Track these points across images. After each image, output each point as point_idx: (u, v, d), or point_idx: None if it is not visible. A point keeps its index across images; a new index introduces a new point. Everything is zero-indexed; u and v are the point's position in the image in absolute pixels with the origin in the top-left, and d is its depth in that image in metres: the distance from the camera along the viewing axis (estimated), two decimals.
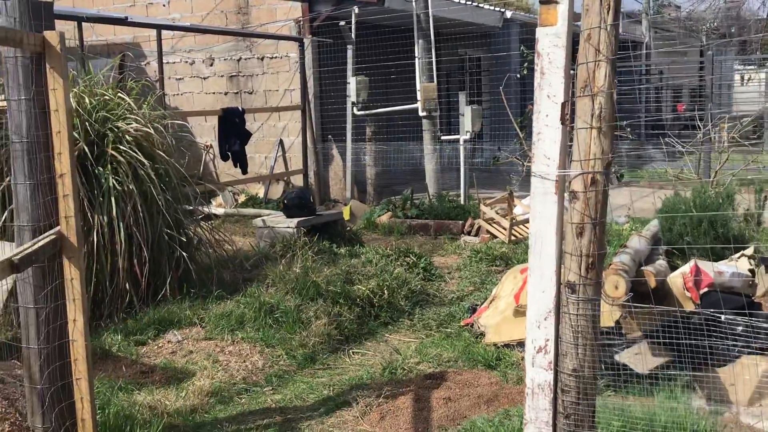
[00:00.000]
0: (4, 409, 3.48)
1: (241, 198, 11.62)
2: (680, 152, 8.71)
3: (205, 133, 11.89)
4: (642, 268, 4.35)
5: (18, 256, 2.94)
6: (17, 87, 3.30)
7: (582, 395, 2.31)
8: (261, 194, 11.74)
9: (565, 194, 2.29)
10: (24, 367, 3.49)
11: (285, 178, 11.66)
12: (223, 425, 3.88)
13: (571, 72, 2.30)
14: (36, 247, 3.09)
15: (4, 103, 4.84)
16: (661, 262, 4.98)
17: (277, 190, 11.77)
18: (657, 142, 9.89)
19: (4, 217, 5.09)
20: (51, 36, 3.26)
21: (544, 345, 2.37)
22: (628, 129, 7.60)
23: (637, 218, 8.78)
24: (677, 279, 4.41)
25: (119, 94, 5.74)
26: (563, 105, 2.26)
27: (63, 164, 3.30)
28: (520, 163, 8.26)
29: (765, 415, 3.72)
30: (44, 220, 3.35)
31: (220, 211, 10.13)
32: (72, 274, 3.35)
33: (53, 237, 3.26)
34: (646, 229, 6.06)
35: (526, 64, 8.11)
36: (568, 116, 2.27)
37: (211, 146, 11.34)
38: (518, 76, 9.33)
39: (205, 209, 7.25)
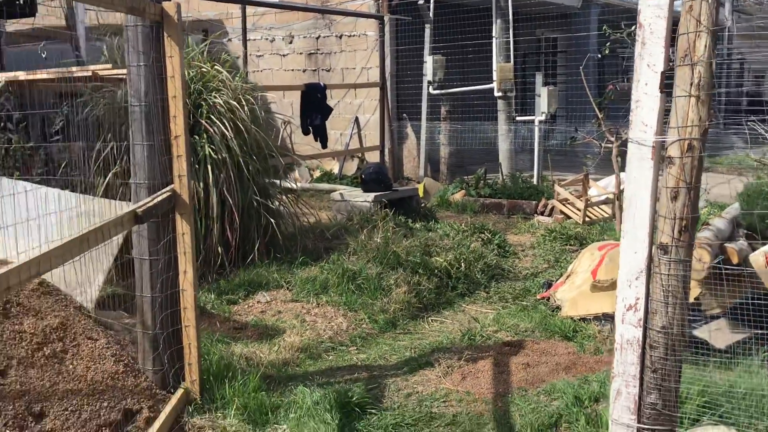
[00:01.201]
0: (117, 353, 3.79)
1: (316, 173, 11.92)
2: (763, 137, 8.53)
3: (283, 108, 12.18)
4: (725, 245, 4.38)
5: (141, 209, 3.22)
6: (137, 54, 3.57)
7: (670, 351, 2.43)
8: (335, 170, 12.02)
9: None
10: (137, 315, 3.80)
11: (360, 155, 11.89)
12: (313, 378, 4.13)
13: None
14: (156, 201, 3.37)
15: (115, 72, 5.20)
16: (743, 242, 4.98)
17: (351, 167, 12.03)
18: (738, 129, 9.69)
19: (107, 179, 5.46)
20: (169, 6, 3.52)
21: (634, 303, 2.49)
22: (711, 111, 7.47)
23: (715, 203, 8.67)
24: (759, 257, 4.42)
25: (215, 67, 6.02)
26: (662, 74, 2.36)
27: (178, 126, 3.57)
28: (597, 144, 8.23)
29: None
30: (159, 179, 3.63)
31: (296, 185, 10.45)
32: (183, 229, 3.64)
33: (168, 194, 3.54)
34: (725, 211, 6.03)
35: (608, 44, 8.06)
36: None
37: (289, 122, 11.66)
38: (598, 56, 9.26)
39: (286, 183, 7.53)
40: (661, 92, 2.37)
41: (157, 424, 3.38)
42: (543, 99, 10.42)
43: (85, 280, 4.29)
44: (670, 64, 2.39)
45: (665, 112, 2.42)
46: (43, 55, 5.58)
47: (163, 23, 3.52)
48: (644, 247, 2.45)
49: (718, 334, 4.37)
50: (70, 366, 3.55)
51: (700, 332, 4.39)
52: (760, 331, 4.17)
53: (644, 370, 2.49)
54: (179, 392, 3.67)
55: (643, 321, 2.48)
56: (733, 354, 4.04)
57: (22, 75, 5.18)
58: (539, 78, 10.69)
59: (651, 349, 2.47)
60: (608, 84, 8.75)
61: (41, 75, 5.21)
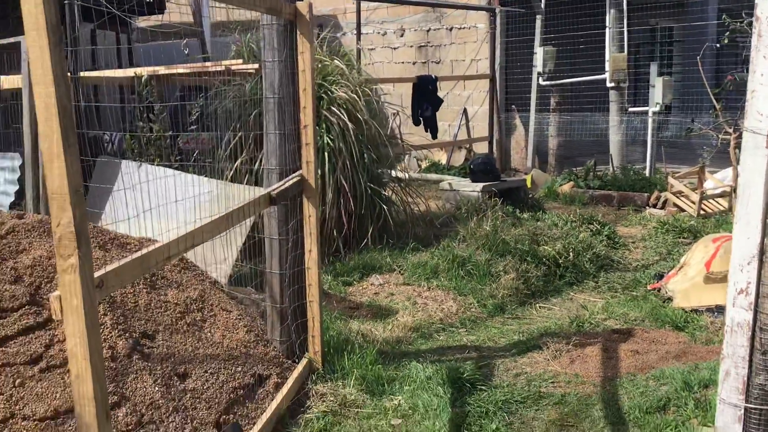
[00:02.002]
0: (249, 324, 4.15)
1: (424, 164, 12.15)
2: None
3: (394, 100, 12.47)
4: None
5: (275, 192, 3.54)
6: (272, 50, 3.88)
7: None
8: (443, 161, 12.21)
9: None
10: (267, 290, 4.14)
11: (468, 146, 12.03)
12: (425, 355, 4.36)
13: None
14: (287, 185, 3.68)
15: (245, 66, 5.58)
16: None
17: (458, 158, 12.19)
18: None
19: (235, 165, 5.87)
20: (302, 6, 3.81)
21: (745, 287, 2.57)
22: None
23: None
24: None
25: (335, 61, 6.34)
26: None
27: (307, 117, 3.86)
28: (714, 136, 8.04)
29: None
30: (289, 165, 3.94)
31: (405, 175, 10.72)
32: (310, 212, 3.94)
33: (297, 179, 3.85)
34: None
35: (727, 33, 7.84)
36: None
37: (398, 113, 11.94)
38: (717, 45, 8.99)
39: (396, 173, 7.80)
40: None
41: (285, 389, 3.70)
42: (657, 89, 10.22)
43: (219, 258, 4.69)
44: None
45: None
46: (186, 52, 6.05)
47: (296, 21, 3.82)
48: (757, 233, 2.52)
49: None
50: (208, 333, 3.93)
51: None
52: None
53: (753, 353, 2.56)
54: (303, 362, 3.99)
55: (753, 305, 2.56)
56: None
57: (162, 69, 5.66)
58: (654, 68, 10.48)
59: (761, 332, 2.54)
60: (727, 74, 8.50)
61: (181, 69, 5.67)
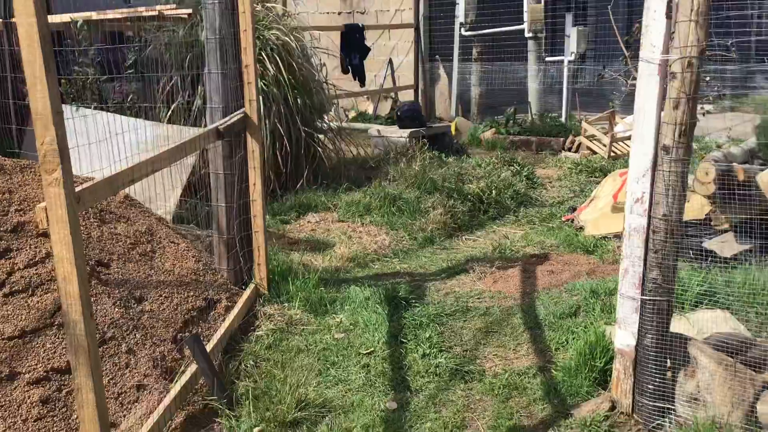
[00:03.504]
0: (197, 255, 4.40)
1: (351, 114, 12.41)
2: None
3: (318, 51, 12.62)
4: (733, 164, 4.84)
5: (222, 126, 3.78)
6: None
7: (669, 235, 2.94)
8: (370, 111, 12.49)
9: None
10: (214, 222, 4.39)
11: (393, 95, 12.33)
12: (363, 281, 4.72)
13: None
14: (232, 121, 3.92)
15: (179, 11, 5.70)
16: (754, 166, 5.42)
17: (384, 108, 12.48)
18: (764, 67, 9.92)
19: (172, 108, 6.02)
20: None
21: (641, 196, 3.00)
22: (733, 49, 7.79)
23: (738, 139, 9.03)
24: (765, 176, 4.87)
25: (267, 4, 6.50)
26: (668, 2, 2.82)
27: (248, 57, 4.09)
28: (624, 82, 8.59)
29: None
30: (231, 103, 4.17)
31: (333, 124, 10.97)
32: (253, 147, 4.19)
33: (240, 115, 4.09)
34: (744, 143, 6.46)
35: None
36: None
37: (324, 63, 12.11)
38: None
39: (327, 122, 8.04)
40: (666, 18, 2.83)
41: (235, 310, 4.00)
42: (572, 39, 10.72)
43: (163, 196, 4.89)
44: None
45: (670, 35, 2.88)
46: None
47: None
48: (650, 149, 2.95)
49: (726, 245, 4.86)
50: (159, 262, 4.17)
51: (710, 244, 4.89)
52: (763, 242, 4.65)
53: (647, 252, 3.01)
54: (251, 287, 4.29)
55: (648, 211, 2.99)
56: (737, 261, 4.53)
57: (94, 15, 5.72)
58: (569, 18, 10.96)
59: (653, 234, 2.98)
60: (636, 21, 9.02)
61: (112, 15, 5.74)
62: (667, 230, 2.95)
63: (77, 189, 2.37)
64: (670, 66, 2.84)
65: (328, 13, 13.15)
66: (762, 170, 5.32)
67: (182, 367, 3.45)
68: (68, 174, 2.28)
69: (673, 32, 2.83)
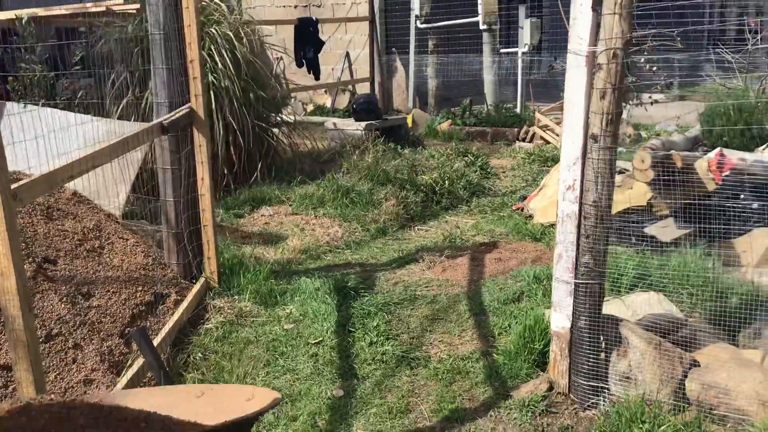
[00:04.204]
0: (146, 250, 4.42)
1: (309, 107, 12.43)
2: (728, 63, 9.07)
3: (277, 44, 12.60)
4: (672, 151, 5.00)
5: (167, 121, 3.80)
6: None
7: (599, 220, 3.05)
8: (328, 104, 12.52)
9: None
10: (162, 216, 4.41)
11: (351, 88, 12.37)
12: (314, 272, 4.78)
13: None
14: (177, 116, 3.94)
15: (127, 7, 5.68)
16: (694, 153, 5.60)
17: (342, 102, 12.52)
18: (710, 56, 10.17)
19: (122, 104, 6.00)
20: None
21: (572, 183, 3.11)
22: (679, 39, 7.99)
23: (686, 127, 9.26)
24: (702, 162, 5.04)
25: (215, 0, 6.50)
26: None
27: (193, 51, 4.11)
28: None
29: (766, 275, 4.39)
30: (177, 98, 4.19)
31: (289, 118, 10.99)
32: (200, 141, 4.22)
33: (186, 110, 4.11)
34: (688, 131, 6.65)
35: None
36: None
37: (281, 58, 12.10)
38: None
39: (284, 116, 8.06)
40: (593, 10, 2.94)
41: (184, 304, 4.03)
42: (526, 31, 10.86)
43: (112, 193, 4.89)
44: None
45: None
46: None
47: None
48: (579, 138, 3.05)
49: (666, 230, 5.02)
50: (107, 258, 4.18)
51: (650, 229, 5.05)
52: (701, 227, 4.82)
53: (579, 238, 3.12)
54: (201, 281, 4.32)
55: (579, 198, 3.10)
56: (676, 246, 4.69)
57: (40, 11, 5.66)
58: (522, 10, 11.11)
59: (585, 220, 3.09)
60: None
61: (58, 11, 5.69)
62: (597, 216, 3.06)
63: (13, 186, 2.39)
64: (597, 57, 2.95)
65: (284, 6, 13.13)
66: (701, 157, 5.49)
67: (129, 362, 3.49)
68: (3, 171, 2.30)
69: (600, 25, 2.93)
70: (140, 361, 3.42)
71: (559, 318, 3.23)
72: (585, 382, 3.16)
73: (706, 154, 6.42)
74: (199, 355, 3.69)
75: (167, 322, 3.87)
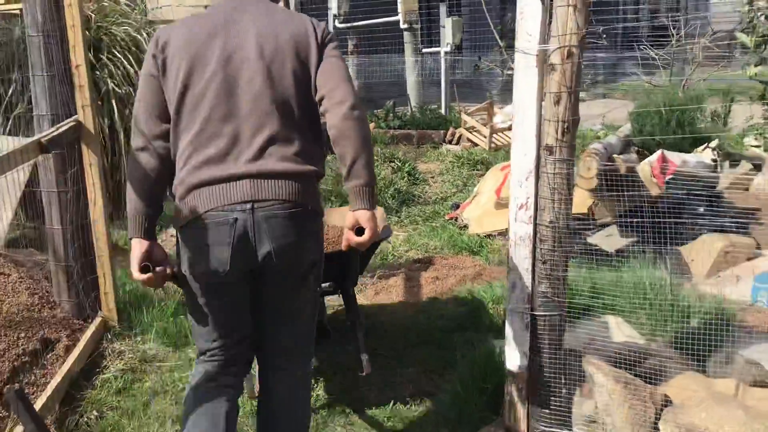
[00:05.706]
0: (31, 286, 3.80)
1: None
2: (653, 59, 8.99)
3: None
4: (614, 156, 4.70)
5: (45, 138, 3.21)
6: None
7: (557, 243, 2.66)
8: None
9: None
10: (49, 247, 3.79)
11: None
12: None
13: None
14: (60, 131, 3.35)
15: (9, 7, 5.00)
16: (632, 155, 5.34)
17: None
18: (633, 54, 10.12)
19: (11, 118, 5.30)
20: None
21: (525, 202, 2.71)
22: (604, 36, 7.83)
23: (611, 125, 9.11)
24: (645, 167, 4.77)
25: None
26: None
27: (78, 56, 3.53)
28: (500, 72, 8.48)
29: (720, 284, 4.14)
30: (62, 110, 3.59)
31: None
32: (91, 160, 3.64)
33: (72, 124, 3.52)
34: (619, 131, 6.41)
35: None
36: None
37: None
38: None
39: None
40: (542, 2, 2.54)
41: (76, 351, 3.44)
42: (447, 30, 10.55)
43: None
44: None
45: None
46: None
47: None
48: (532, 149, 2.65)
49: (609, 239, 4.72)
50: None
51: (593, 239, 4.74)
52: (645, 235, 4.54)
53: (535, 263, 2.72)
54: (97, 321, 3.73)
55: (533, 218, 2.70)
56: (623, 257, 4.39)
57: None
58: (443, 9, 10.79)
59: (541, 243, 2.69)
60: (507, 11, 8.96)
61: None
62: (555, 238, 2.67)
63: None
64: (549, 57, 2.55)
65: (194, 6, 12.42)
66: (640, 160, 5.23)
67: (8, 429, 2.89)
68: None
69: (551, 19, 2.53)
70: (19, 429, 2.83)
71: (515, 355, 2.82)
72: (547, 429, 2.76)
73: (639, 155, 6.21)
74: (95, 413, 3.12)
75: (56, 375, 3.28)
